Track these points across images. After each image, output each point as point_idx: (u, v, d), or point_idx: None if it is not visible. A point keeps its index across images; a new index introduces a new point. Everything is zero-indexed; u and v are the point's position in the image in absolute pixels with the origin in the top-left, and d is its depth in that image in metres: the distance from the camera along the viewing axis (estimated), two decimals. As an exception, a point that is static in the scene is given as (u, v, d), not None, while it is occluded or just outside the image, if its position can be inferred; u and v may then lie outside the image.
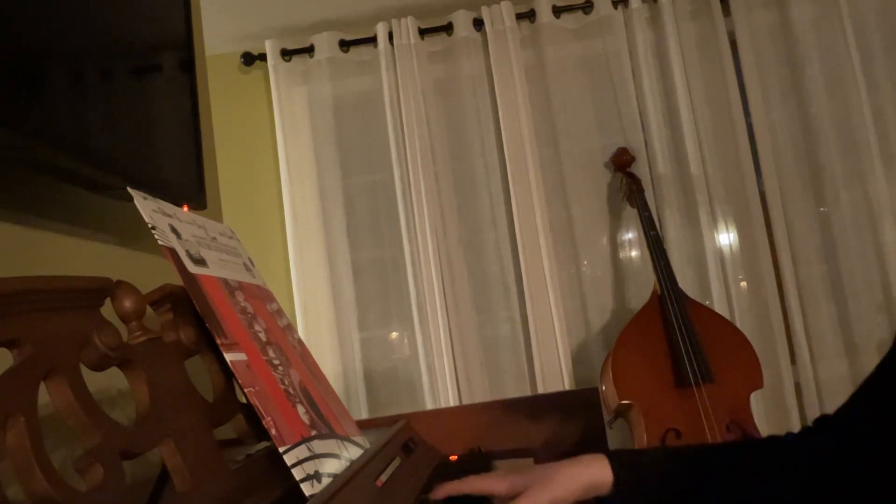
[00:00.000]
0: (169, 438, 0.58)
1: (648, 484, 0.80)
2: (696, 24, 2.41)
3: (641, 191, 2.26)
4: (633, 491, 0.79)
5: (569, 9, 2.44)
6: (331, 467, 0.69)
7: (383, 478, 0.77)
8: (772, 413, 2.26)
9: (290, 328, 0.89)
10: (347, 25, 2.51)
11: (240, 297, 0.77)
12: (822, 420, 0.82)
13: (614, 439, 2.06)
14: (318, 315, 2.42)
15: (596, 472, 0.79)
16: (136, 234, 1.03)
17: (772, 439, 0.84)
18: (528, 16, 2.45)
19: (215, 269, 0.75)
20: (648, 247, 2.15)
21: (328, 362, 2.38)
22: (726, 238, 2.35)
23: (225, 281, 0.76)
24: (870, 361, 2.22)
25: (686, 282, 2.26)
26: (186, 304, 0.69)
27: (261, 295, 0.85)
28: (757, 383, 1.95)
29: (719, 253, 2.34)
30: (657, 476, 0.81)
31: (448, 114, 2.49)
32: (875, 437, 0.73)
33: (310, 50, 2.48)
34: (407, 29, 2.44)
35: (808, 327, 2.29)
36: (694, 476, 0.81)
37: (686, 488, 0.80)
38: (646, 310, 2.06)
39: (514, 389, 2.36)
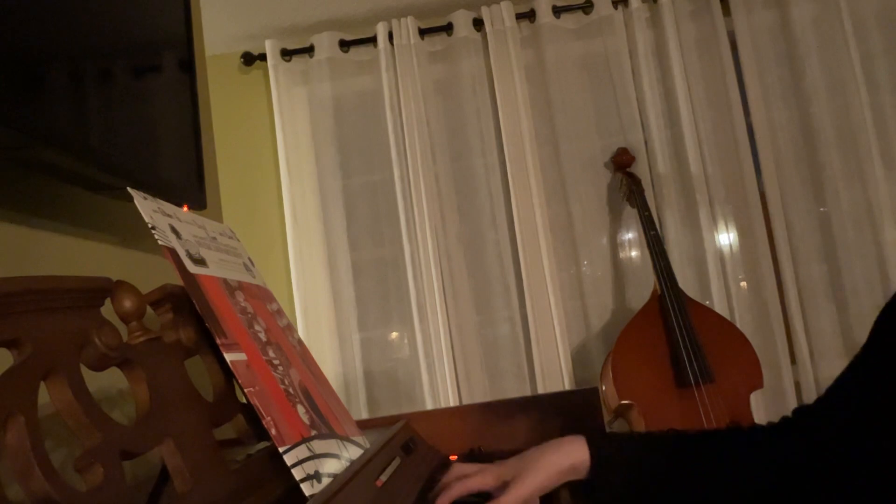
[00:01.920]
0: (169, 438, 0.58)
1: (624, 466, 0.82)
2: (696, 24, 2.41)
3: (641, 191, 2.26)
4: (608, 473, 0.82)
5: (569, 9, 2.44)
6: (331, 467, 0.69)
7: (383, 478, 0.77)
8: (772, 413, 2.26)
9: (290, 328, 0.89)
10: (347, 25, 2.51)
11: (240, 297, 0.77)
12: (801, 410, 0.84)
13: (614, 439, 2.06)
14: (318, 315, 2.42)
15: (575, 455, 0.82)
16: (136, 234, 1.03)
17: (752, 428, 0.85)
18: (528, 16, 2.45)
19: (215, 269, 0.75)
20: (648, 247, 2.15)
21: (328, 362, 2.38)
22: (726, 238, 2.35)
23: (225, 281, 0.76)
24: (870, 361, 2.22)
25: (686, 282, 2.26)
26: (186, 304, 0.69)
27: (261, 295, 0.85)
28: (757, 383, 1.95)
29: (719, 253, 2.34)
30: (633, 459, 0.84)
31: (448, 114, 2.48)
32: (853, 426, 0.75)
33: (310, 50, 2.48)
34: (407, 29, 2.44)
35: (808, 327, 2.29)
36: (671, 460, 0.83)
37: (662, 471, 0.82)
38: (646, 310, 2.06)
39: (514, 389, 2.36)
